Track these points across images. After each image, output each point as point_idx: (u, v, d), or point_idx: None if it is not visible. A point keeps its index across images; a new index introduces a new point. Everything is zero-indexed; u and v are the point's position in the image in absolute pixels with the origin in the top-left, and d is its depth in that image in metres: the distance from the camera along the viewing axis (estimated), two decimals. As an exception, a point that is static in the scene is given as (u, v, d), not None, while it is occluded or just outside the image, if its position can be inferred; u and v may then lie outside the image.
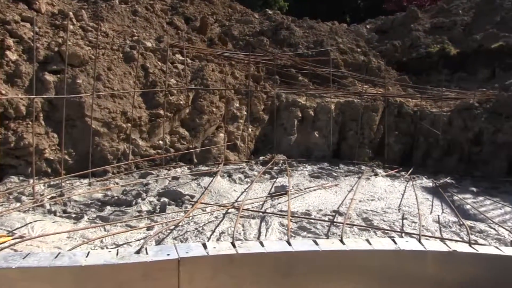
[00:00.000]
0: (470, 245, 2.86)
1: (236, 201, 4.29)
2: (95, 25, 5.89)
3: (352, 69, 7.71)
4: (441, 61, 8.67)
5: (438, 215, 4.15)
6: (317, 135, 6.23)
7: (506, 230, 3.84)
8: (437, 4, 11.62)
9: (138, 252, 2.34)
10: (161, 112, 5.51)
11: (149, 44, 6.25)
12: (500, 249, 2.78)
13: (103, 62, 5.45)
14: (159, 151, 5.37)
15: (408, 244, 2.80)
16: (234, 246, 2.54)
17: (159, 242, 3.21)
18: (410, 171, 5.83)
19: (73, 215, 3.71)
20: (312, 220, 3.77)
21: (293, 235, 3.50)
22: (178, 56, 6.45)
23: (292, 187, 4.90)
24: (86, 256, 2.26)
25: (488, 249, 2.82)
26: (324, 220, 3.79)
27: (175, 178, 4.89)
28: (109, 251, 2.37)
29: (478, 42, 8.92)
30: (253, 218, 3.83)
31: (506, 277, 2.67)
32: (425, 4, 16.21)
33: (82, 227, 3.44)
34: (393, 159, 6.29)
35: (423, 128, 6.45)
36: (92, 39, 5.52)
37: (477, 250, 2.75)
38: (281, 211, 4.02)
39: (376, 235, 3.55)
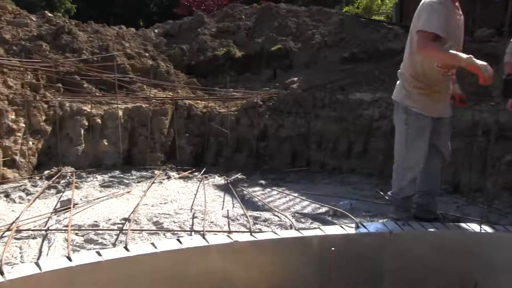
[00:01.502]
0: (251, 234, 2.96)
1: (14, 222, 3.79)
2: None
3: (140, 74, 7.57)
4: (228, 63, 9.06)
5: (228, 210, 4.26)
6: (106, 143, 5.93)
7: (286, 216, 4.10)
8: (223, 9, 12.15)
9: None
10: None
11: None
12: (276, 233, 2.93)
13: None
14: None
15: (192, 241, 2.78)
16: (2, 273, 2.22)
17: None
18: (203, 171, 5.94)
19: None
20: (100, 231, 3.53)
21: (78, 249, 3.23)
22: None
23: (81, 199, 4.58)
24: None
25: (266, 235, 2.95)
26: (112, 229, 3.57)
27: None
28: None
29: (260, 45, 9.56)
30: (34, 238, 3.43)
31: (280, 257, 2.83)
32: (213, 9, 16.93)
33: None
34: (186, 161, 6.33)
35: (212, 128, 6.63)
36: None
37: (256, 238, 2.86)
38: (66, 226, 3.68)
39: (165, 237, 3.48)
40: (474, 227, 3.14)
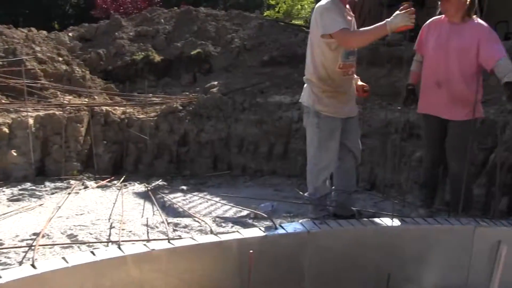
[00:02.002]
0: (169, 241, 2.89)
1: None
2: None
3: (54, 80, 7.20)
4: (146, 68, 8.88)
5: (147, 218, 4.15)
6: (15, 154, 5.57)
7: (206, 221, 4.06)
8: (141, 13, 11.90)
9: None
10: None
11: None
12: (194, 239, 2.89)
13: None
14: None
15: (107, 252, 2.67)
16: None
17: None
18: (122, 179, 5.76)
19: None
20: (4, 250, 3.30)
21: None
22: None
23: (-15, 216, 4.28)
24: None
25: (184, 241, 2.89)
26: (19, 246, 3.35)
27: None
28: None
29: (180, 49, 9.45)
30: None
31: (199, 263, 2.79)
32: (132, 12, 16.53)
33: None
34: (105, 169, 6.11)
35: (132, 135, 6.46)
36: None
37: (174, 245, 2.80)
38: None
39: (80, 250, 3.32)
40: (387, 221, 3.27)
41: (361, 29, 3.60)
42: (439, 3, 3.85)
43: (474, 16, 3.84)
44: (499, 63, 3.57)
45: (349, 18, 3.67)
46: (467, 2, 3.73)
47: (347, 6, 3.69)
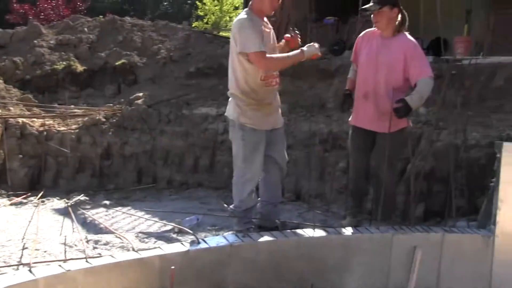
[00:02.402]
0: (86, 261, 2.76)
1: None
2: None
3: (-37, 90, 6.75)
4: (68, 78, 8.55)
5: (66, 236, 3.95)
6: None
7: (127, 238, 3.93)
8: (64, 20, 11.46)
9: None
10: None
11: None
12: (114, 257, 2.78)
13: None
14: None
15: (15, 278, 2.49)
16: None
17: None
18: (40, 195, 5.46)
19: None
20: None
21: None
22: None
23: None
24: None
25: (103, 260, 2.77)
26: None
27: None
28: None
29: (104, 60, 9.18)
30: None
31: (119, 282, 2.69)
32: (53, 19, 15.88)
33: None
34: (20, 185, 5.78)
35: (51, 148, 6.16)
36: None
37: (92, 264, 2.68)
38: None
39: (-14, 275, 3.08)
40: (309, 232, 3.31)
41: (279, 55, 3.74)
42: (372, 15, 3.92)
43: (406, 32, 3.94)
44: (419, 81, 3.73)
45: (267, 30, 3.73)
46: (399, 17, 3.87)
47: (265, 18, 3.75)
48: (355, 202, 4.31)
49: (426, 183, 4.96)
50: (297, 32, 3.90)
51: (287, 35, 3.88)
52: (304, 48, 3.68)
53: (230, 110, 3.84)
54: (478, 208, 4.18)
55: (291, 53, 3.71)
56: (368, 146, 4.10)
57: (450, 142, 4.61)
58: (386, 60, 3.87)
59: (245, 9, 3.79)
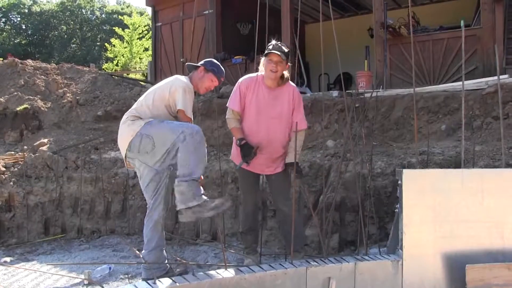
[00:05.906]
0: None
1: None
2: None
3: None
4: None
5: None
6: None
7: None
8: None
9: None
10: None
11: None
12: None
13: None
14: None
15: None
16: None
17: None
18: None
19: None
20: None
21: None
22: None
23: None
24: None
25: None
26: None
27: None
28: None
29: (4, 105, 8.69)
30: None
31: None
32: None
33: None
34: None
35: None
36: None
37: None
38: None
39: None
40: (223, 273, 3.28)
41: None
42: (265, 60, 3.91)
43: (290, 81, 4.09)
44: (299, 133, 3.91)
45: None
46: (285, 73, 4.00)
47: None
48: (253, 238, 4.28)
49: (338, 213, 5.13)
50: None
51: None
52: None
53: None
54: (388, 234, 4.37)
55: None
56: (258, 187, 4.24)
57: (358, 172, 4.81)
58: (278, 113, 3.95)
59: (186, 77, 3.89)
